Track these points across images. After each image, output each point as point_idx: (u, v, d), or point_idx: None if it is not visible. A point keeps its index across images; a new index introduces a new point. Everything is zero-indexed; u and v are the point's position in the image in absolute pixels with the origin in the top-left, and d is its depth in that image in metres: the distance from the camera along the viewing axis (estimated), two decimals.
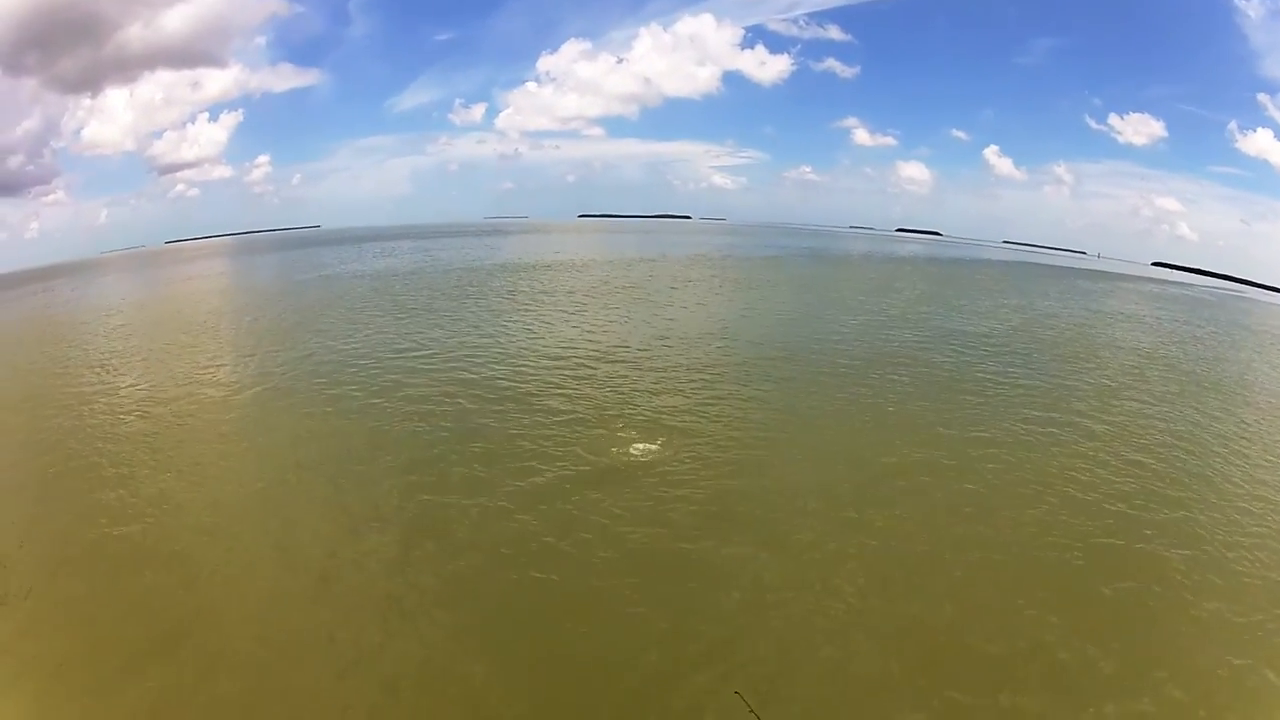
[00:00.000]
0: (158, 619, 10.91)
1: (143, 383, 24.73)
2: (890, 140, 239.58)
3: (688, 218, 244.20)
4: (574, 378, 22.64)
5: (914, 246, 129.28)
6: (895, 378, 23.80)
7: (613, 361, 24.62)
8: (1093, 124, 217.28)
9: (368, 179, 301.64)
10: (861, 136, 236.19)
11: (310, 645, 10.25)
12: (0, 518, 14.79)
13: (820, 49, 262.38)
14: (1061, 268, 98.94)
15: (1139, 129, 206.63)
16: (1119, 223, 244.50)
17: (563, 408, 19.67)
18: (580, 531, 13.05)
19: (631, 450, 16.67)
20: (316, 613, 11.03)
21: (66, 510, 14.71)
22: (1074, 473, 16.45)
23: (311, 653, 10.08)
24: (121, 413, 21.28)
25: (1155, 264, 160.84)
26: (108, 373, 26.75)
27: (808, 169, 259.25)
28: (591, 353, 25.86)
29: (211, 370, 26.34)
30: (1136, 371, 27.55)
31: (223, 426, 19.75)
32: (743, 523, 13.50)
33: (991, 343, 30.74)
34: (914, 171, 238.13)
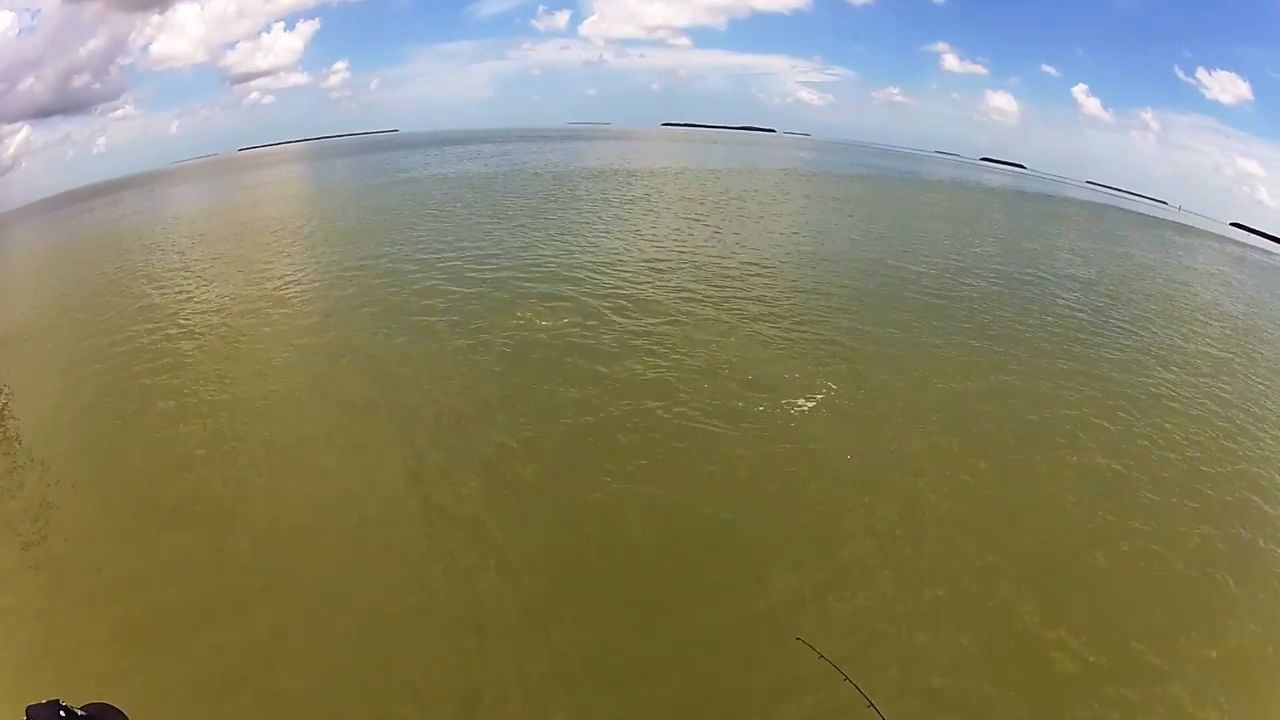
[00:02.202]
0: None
1: (220, 291, 23.35)
2: (979, 69, 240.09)
3: (771, 131, 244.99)
4: (676, 295, 20.35)
5: (1000, 177, 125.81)
6: (1023, 323, 20.90)
7: (721, 280, 22.21)
8: (1181, 75, 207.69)
9: (448, 84, 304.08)
10: (951, 62, 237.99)
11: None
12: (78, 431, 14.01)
13: None
14: (1148, 216, 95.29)
15: (1226, 87, 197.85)
16: (1200, 177, 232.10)
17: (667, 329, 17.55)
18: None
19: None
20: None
21: (143, 438, 13.41)
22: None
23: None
24: (197, 322, 20.17)
25: (1234, 224, 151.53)
26: (184, 282, 25.32)
27: (895, 91, 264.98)
28: (691, 269, 23.55)
29: (291, 276, 24.70)
30: (1235, 342, 23.56)
31: (305, 333, 18.46)
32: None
33: (1098, 290, 27.53)
34: (1002, 102, 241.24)
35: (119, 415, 14.47)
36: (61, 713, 2.31)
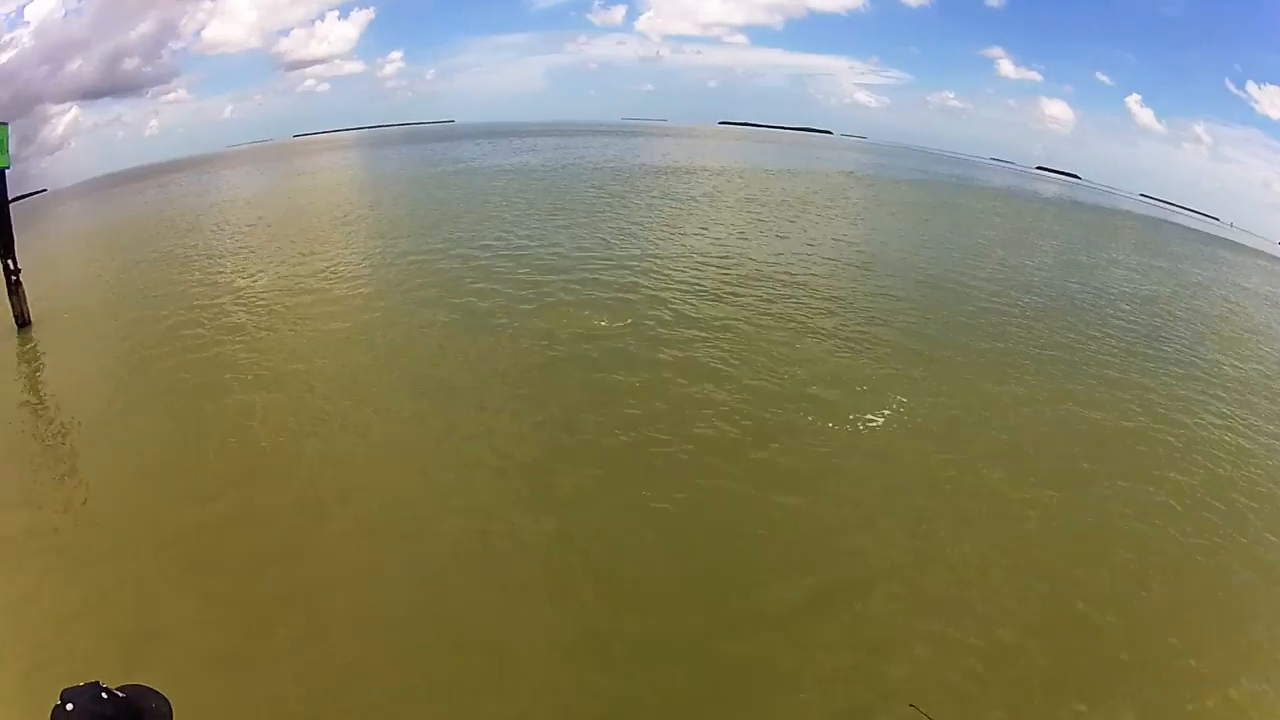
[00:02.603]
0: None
1: (276, 273, 23.03)
2: (1034, 75, 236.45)
3: (829, 133, 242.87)
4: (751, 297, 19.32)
5: (1054, 187, 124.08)
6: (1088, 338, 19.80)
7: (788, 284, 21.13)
8: (1232, 88, 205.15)
9: (503, 75, 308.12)
10: (1006, 68, 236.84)
11: None
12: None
13: None
14: (1201, 232, 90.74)
15: (1276, 101, 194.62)
16: (1251, 193, 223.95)
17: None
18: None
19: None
20: None
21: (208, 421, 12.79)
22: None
23: None
24: (254, 301, 19.87)
25: None
26: (243, 263, 25.05)
27: (950, 95, 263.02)
28: (755, 271, 22.38)
29: (349, 262, 24.19)
30: None
31: (361, 322, 17.75)
32: None
33: (1150, 309, 25.56)
34: (1056, 110, 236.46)
35: (180, 391, 14.18)
36: (103, 694, 2.22)
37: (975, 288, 23.23)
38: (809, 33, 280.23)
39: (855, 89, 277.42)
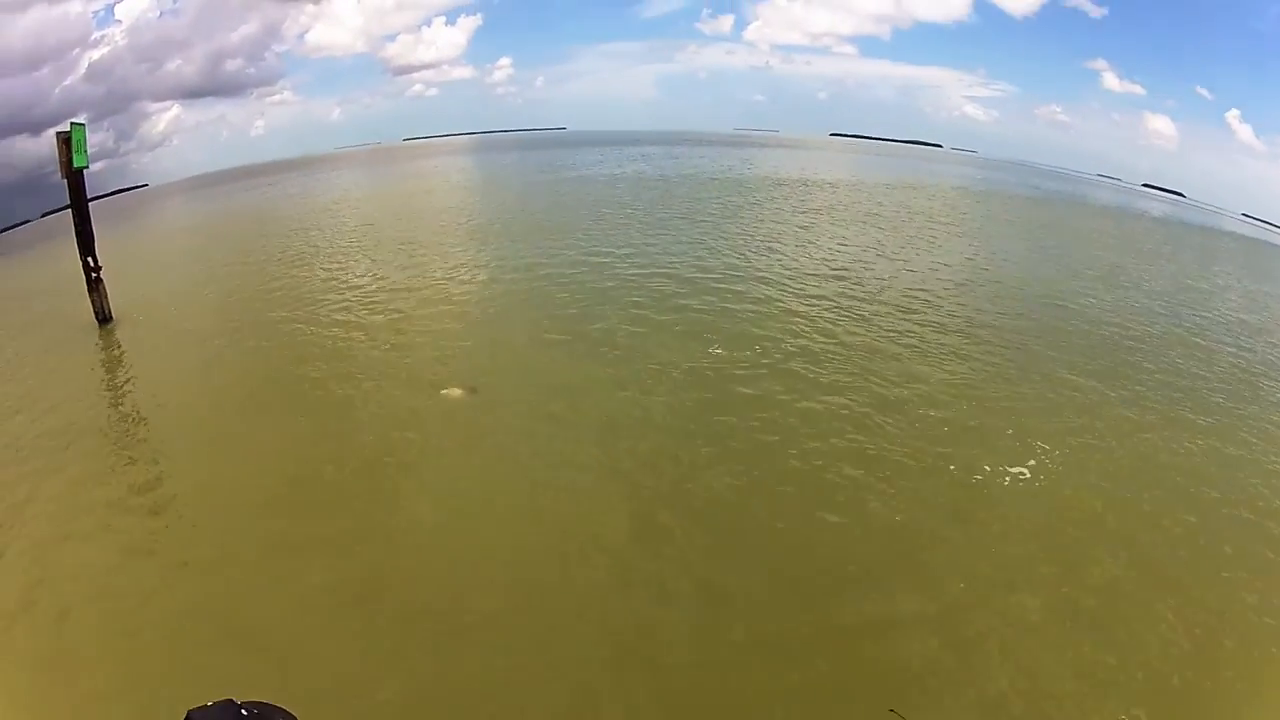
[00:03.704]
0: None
1: (388, 275, 22.80)
2: (1138, 89, 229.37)
3: (938, 146, 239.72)
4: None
5: (1161, 205, 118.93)
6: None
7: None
8: None
9: (613, 83, 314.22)
10: (1110, 81, 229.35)
11: None
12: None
13: None
14: None
15: None
16: None
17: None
18: None
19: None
20: None
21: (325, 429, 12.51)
22: None
23: None
24: (365, 302, 19.85)
25: None
26: (353, 263, 25.32)
27: (1057, 109, 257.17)
28: (880, 291, 20.85)
29: (466, 266, 23.90)
30: None
31: (481, 327, 17.45)
32: None
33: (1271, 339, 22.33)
34: (1160, 125, 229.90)
35: (285, 390, 14.07)
36: (244, 711, 2.15)
37: (1101, 316, 21.20)
38: (916, 43, 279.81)
39: (964, 101, 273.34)
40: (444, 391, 13.18)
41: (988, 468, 10.68)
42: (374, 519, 9.49)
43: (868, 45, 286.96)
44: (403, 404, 12.84)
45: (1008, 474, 10.56)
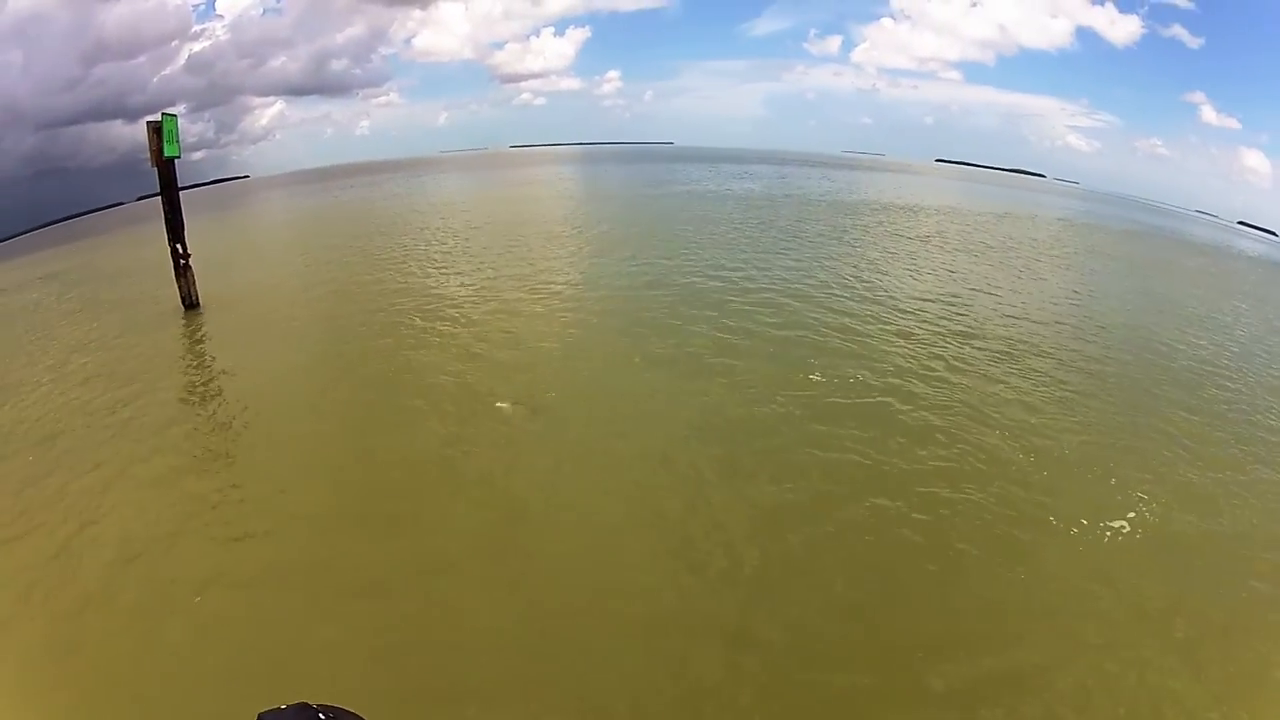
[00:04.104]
0: None
1: (491, 281, 22.28)
2: (1234, 122, 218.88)
3: (1041, 176, 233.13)
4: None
5: (1256, 244, 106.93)
6: None
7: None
8: None
9: (720, 100, 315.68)
10: (1208, 114, 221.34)
11: None
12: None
13: (1165, 13, 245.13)
14: None
15: None
16: None
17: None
18: None
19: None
20: None
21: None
22: None
23: None
24: (465, 304, 19.38)
25: None
26: (457, 264, 25.29)
27: (1157, 141, 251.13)
28: (986, 324, 19.29)
29: (575, 275, 23.34)
30: None
31: (587, 342, 16.35)
32: None
33: None
34: (1254, 160, 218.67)
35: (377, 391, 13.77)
36: (321, 715, 2.04)
37: (1195, 359, 19.38)
38: (1020, 71, 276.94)
39: (1067, 131, 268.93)
40: (499, 405, 12.66)
41: (1085, 521, 9.70)
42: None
43: (973, 71, 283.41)
44: (465, 413, 12.36)
45: (1108, 528, 9.64)
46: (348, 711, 2.28)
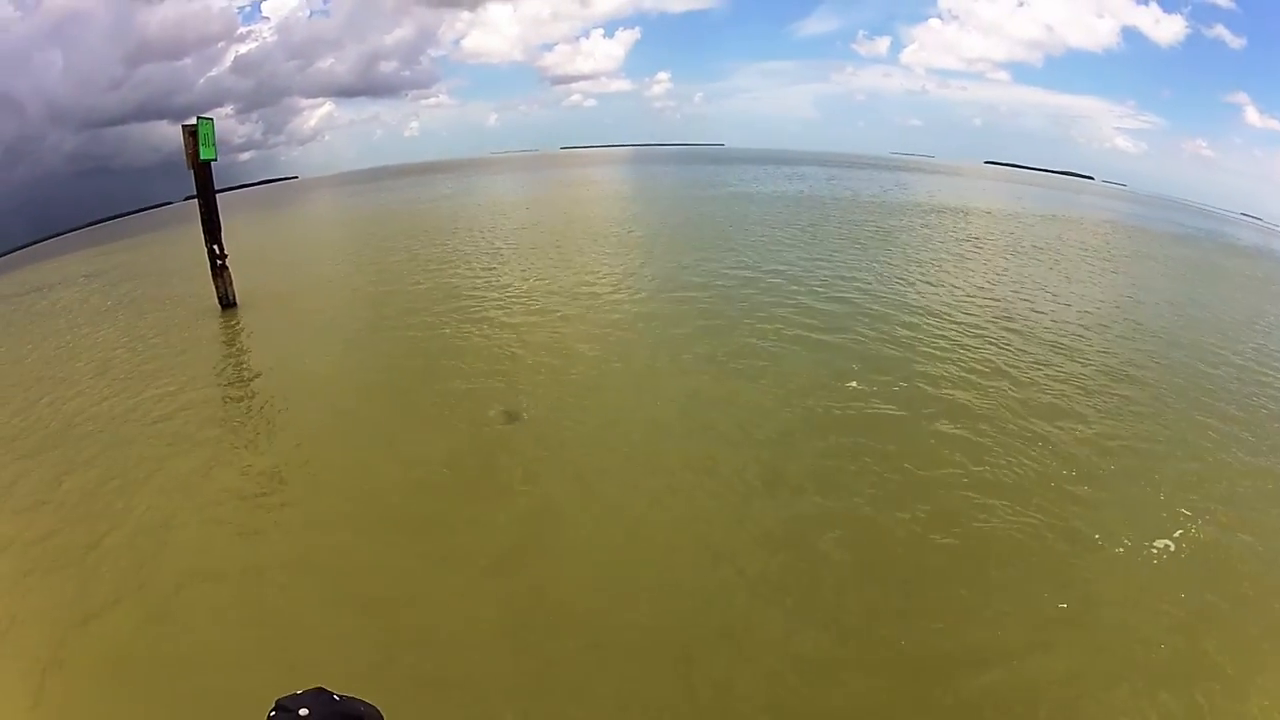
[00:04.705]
0: None
1: (540, 282, 22.22)
2: (1276, 124, 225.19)
3: (1090, 178, 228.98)
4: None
5: None
6: None
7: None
8: None
9: (770, 101, 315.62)
10: (1251, 115, 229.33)
11: None
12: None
13: (1207, 13, 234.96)
14: None
15: None
16: None
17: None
18: None
19: None
20: None
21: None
22: None
23: None
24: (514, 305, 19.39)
25: None
26: (501, 266, 25.24)
27: (1202, 143, 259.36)
28: (1039, 331, 18.50)
29: (626, 276, 23.05)
30: None
31: (639, 349, 15.90)
32: None
33: None
34: None
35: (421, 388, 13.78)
36: (336, 698, 2.08)
37: (1243, 370, 17.52)
38: (1067, 71, 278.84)
39: (1115, 133, 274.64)
40: (532, 410, 12.58)
41: (1129, 540, 9.16)
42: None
43: (1021, 71, 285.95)
44: (503, 416, 12.27)
45: (1152, 548, 9.07)
46: (362, 700, 2.32)
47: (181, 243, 38.26)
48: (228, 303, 20.64)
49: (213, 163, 19.96)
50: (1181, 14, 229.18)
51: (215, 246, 20.19)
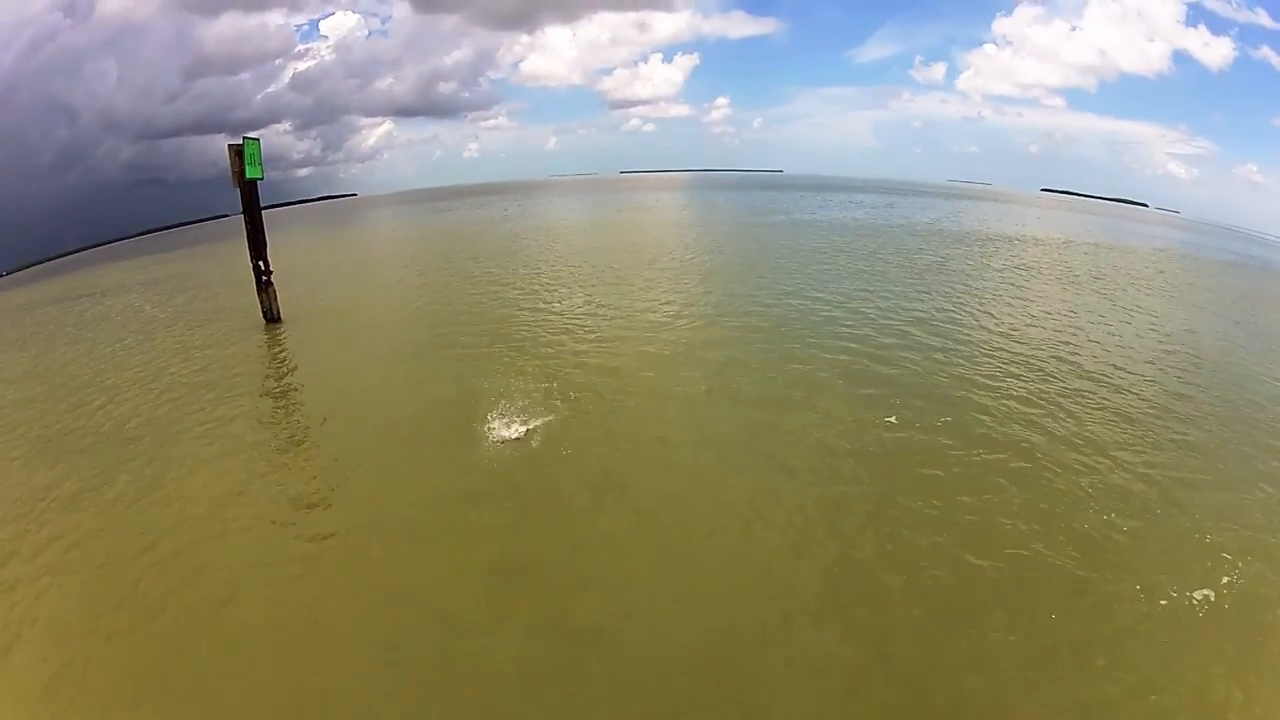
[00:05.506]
0: None
1: (576, 309, 22.48)
2: None
3: (1144, 205, 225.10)
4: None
5: None
6: None
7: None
8: None
9: (829, 128, 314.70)
10: None
11: None
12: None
13: (1255, 34, 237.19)
14: None
15: None
16: None
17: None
18: None
19: None
20: None
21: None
22: None
23: None
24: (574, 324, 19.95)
25: None
26: (561, 288, 25.73)
27: (1253, 168, 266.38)
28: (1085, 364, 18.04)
29: (661, 304, 23.13)
30: None
31: (694, 373, 16.16)
32: None
33: None
34: None
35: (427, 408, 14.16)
36: None
37: None
38: (1120, 96, 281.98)
39: (1167, 159, 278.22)
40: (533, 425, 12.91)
41: (1174, 592, 8.77)
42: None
43: (1075, 97, 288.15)
44: (547, 440, 12.42)
45: (1193, 598, 8.68)
46: None
47: (232, 255, 39.53)
48: (271, 317, 21.25)
49: (259, 181, 20.60)
50: (1229, 35, 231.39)
51: (260, 263, 20.84)
